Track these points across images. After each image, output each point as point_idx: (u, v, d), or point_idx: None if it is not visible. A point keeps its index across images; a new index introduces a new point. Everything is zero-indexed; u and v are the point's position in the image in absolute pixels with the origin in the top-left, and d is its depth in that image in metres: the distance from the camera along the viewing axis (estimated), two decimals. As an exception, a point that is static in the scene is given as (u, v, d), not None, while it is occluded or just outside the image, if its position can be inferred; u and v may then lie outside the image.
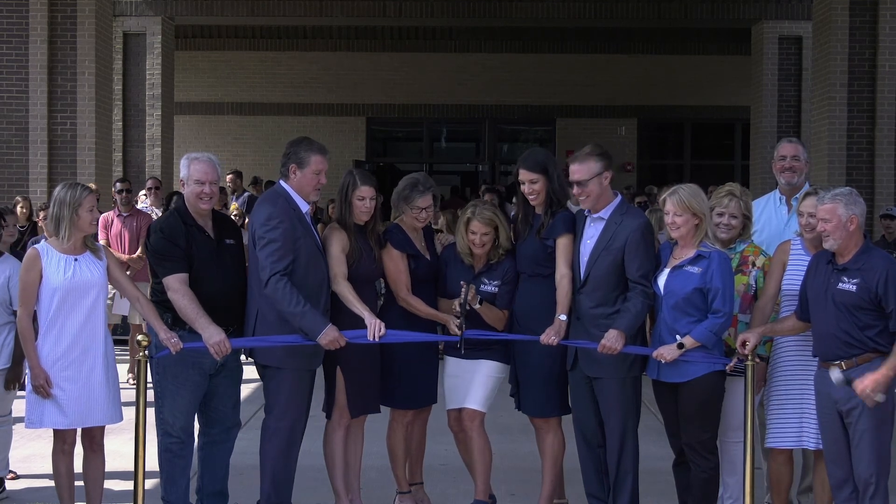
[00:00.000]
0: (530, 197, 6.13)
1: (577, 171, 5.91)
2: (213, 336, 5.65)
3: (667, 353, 5.66)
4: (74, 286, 5.78)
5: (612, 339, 5.70)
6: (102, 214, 11.49)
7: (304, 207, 5.98)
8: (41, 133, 13.76)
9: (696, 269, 5.70)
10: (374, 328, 5.80)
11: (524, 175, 6.12)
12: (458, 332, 5.94)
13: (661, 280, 5.78)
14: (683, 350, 5.64)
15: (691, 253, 5.74)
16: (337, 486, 6.22)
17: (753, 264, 6.01)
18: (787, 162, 6.64)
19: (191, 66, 21.81)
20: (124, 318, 11.18)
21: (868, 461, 5.37)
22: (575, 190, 5.93)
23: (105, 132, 14.58)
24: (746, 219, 6.11)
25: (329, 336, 5.72)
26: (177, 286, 5.74)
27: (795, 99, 17.78)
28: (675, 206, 5.75)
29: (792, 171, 6.64)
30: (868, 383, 5.27)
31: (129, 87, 17.53)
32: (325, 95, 22.88)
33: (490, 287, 6.16)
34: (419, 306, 6.18)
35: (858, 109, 14.11)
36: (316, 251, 5.93)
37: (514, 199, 6.36)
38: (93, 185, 12.81)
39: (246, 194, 16.12)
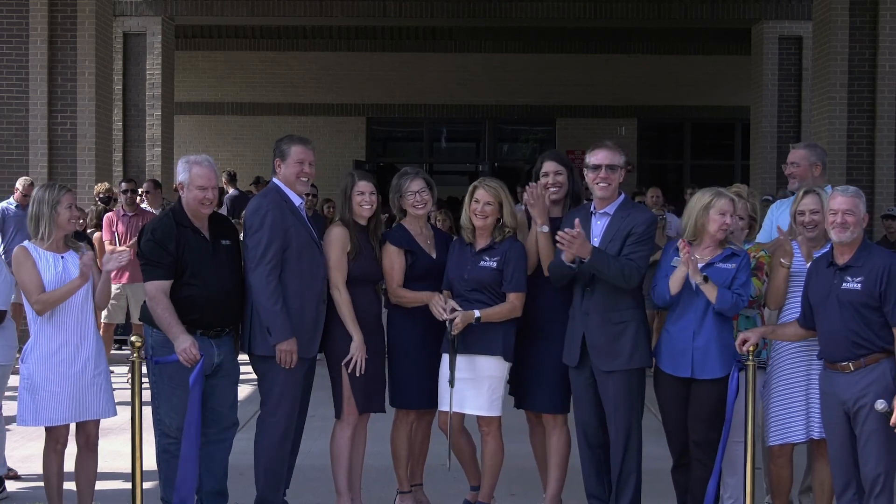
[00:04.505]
0: (553, 189, 6.14)
1: (608, 156, 5.96)
2: (181, 343, 5.68)
3: (693, 269, 5.63)
4: (65, 282, 5.83)
5: (573, 231, 5.65)
6: (105, 214, 11.51)
7: (297, 201, 6.03)
8: (41, 133, 13.75)
9: (730, 266, 5.74)
10: (357, 359, 6.00)
11: (551, 166, 6.18)
12: (449, 329, 5.95)
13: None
14: (704, 280, 5.62)
15: (718, 251, 5.78)
16: (339, 485, 6.23)
17: (756, 259, 6.02)
18: (787, 168, 6.75)
19: (191, 66, 21.80)
20: (127, 317, 11.20)
21: (876, 460, 5.36)
22: (602, 173, 5.93)
23: (105, 132, 14.57)
24: (752, 220, 6.20)
25: (286, 347, 5.80)
26: (153, 293, 5.76)
27: (795, 99, 17.76)
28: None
29: (791, 176, 6.73)
30: None
31: (129, 87, 17.51)
32: (325, 95, 22.87)
33: (490, 263, 6.09)
34: (407, 294, 6.18)
35: (858, 109, 14.10)
36: (310, 241, 5.97)
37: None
38: (102, 186, 12.88)
39: (230, 194, 16.03)
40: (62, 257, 5.91)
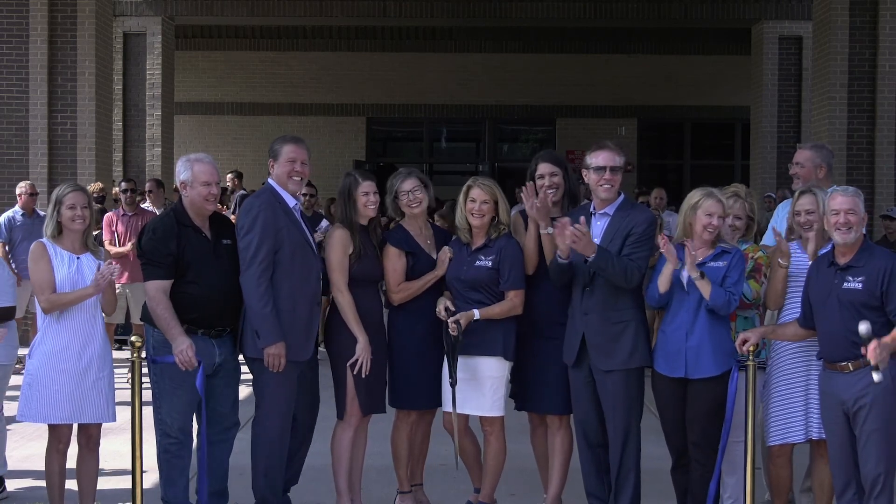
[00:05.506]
0: (550, 191, 6.13)
1: (611, 157, 5.96)
2: (178, 345, 5.67)
3: (690, 263, 5.62)
4: (77, 283, 5.84)
5: (582, 228, 5.64)
6: (106, 214, 11.51)
7: (291, 202, 6.02)
8: (41, 133, 13.75)
9: (721, 264, 5.73)
10: (363, 360, 5.96)
11: (546, 168, 6.15)
12: (453, 334, 5.93)
13: (684, 277, 5.75)
14: (701, 276, 5.61)
15: (710, 251, 5.78)
16: (340, 486, 6.23)
17: (754, 260, 6.02)
18: (792, 168, 6.82)
19: (191, 66, 21.81)
20: (127, 317, 11.21)
21: (876, 460, 5.36)
22: (607, 175, 5.93)
23: (105, 132, 14.57)
24: (750, 220, 6.19)
25: (274, 350, 5.76)
26: (153, 293, 5.76)
27: (795, 99, 17.77)
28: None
29: (796, 176, 6.79)
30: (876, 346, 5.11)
31: (129, 87, 17.54)
32: (325, 95, 22.88)
33: (486, 262, 6.09)
34: (413, 285, 6.16)
35: (858, 109, 14.10)
36: (304, 242, 5.95)
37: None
38: (96, 185, 12.86)
39: (239, 193, 16.07)
40: (77, 258, 5.90)
